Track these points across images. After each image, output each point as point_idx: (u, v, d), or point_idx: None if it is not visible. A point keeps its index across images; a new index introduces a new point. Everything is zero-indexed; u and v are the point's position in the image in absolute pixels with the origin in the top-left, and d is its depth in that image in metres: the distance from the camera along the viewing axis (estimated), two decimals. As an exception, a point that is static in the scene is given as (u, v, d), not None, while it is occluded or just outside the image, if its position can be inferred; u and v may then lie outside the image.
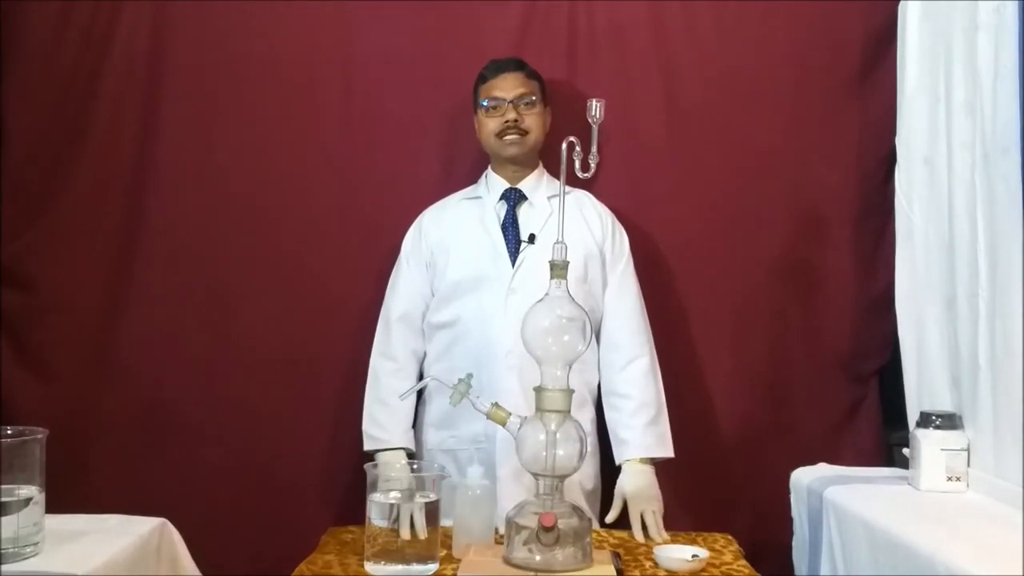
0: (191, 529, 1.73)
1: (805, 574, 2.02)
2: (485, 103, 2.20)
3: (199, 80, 2.39)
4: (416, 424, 2.21)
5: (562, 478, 1.68)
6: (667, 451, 2.11)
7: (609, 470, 2.20)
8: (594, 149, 1.74)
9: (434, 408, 2.18)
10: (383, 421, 2.15)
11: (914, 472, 1.91)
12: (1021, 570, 1.36)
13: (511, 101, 2.18)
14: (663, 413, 2.14)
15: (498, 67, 2.21)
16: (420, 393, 2.21)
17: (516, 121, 2.17)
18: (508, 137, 2.18)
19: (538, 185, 2.25)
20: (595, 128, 1.74)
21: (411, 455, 2.15)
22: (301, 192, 2.41)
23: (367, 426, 2.17)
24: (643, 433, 2.09)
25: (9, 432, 1.42)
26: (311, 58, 2.41)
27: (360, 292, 2.35)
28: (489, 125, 2.20)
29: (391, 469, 1.84)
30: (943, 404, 1.99)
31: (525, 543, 1.63)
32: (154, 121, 2.38)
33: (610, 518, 2.01)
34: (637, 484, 2.03)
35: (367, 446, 2.15)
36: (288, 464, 2.36)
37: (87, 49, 2.35)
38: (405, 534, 1.62)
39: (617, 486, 2.06)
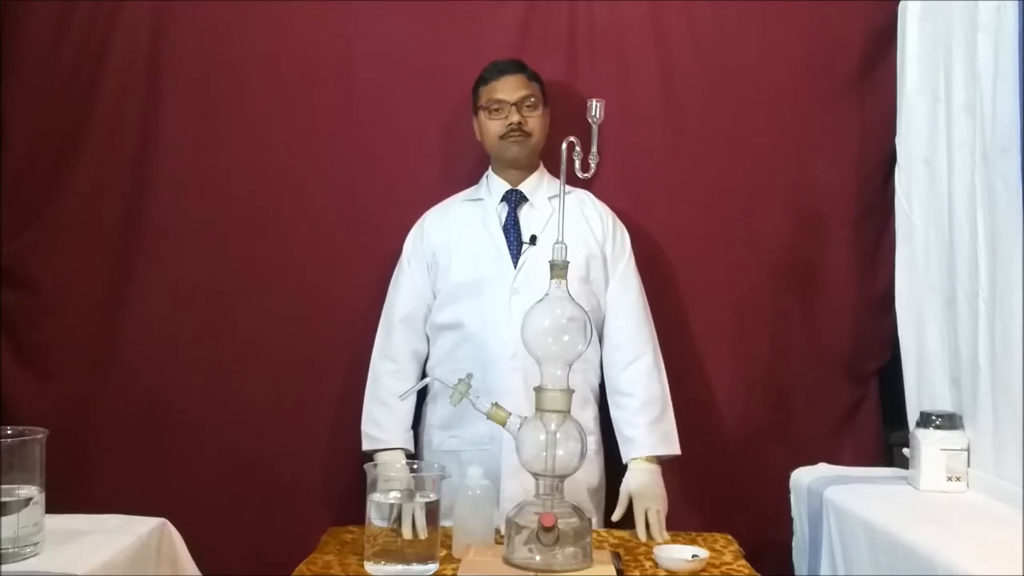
0: (191, 529, 1.73)
1: (805, 574, 2.02)
2: (487, 105, 2.20)
3: (199, 80, 2.39)
4: (420, 425, 2.22)
5: (562, 478, 1.68)
6: (673, 448, 2.11)
7: (613, 468, 2.20)
8: (594, 149, 1.74)
9: (438, 409, 2.18)
10: (382, 421, 2.15)
11: (914, 472, 1.91)
12: (1021, 570, 1.36)
13: (514, 103, 2.18)
14: (668, 411, 2.14)
15: (499, 69, 2.21)
16: (423, 394, 2.21)
17: (520, 124, 2.17)
18: (512, 138, 2.19)
19: (539, 186, 2.25)
20: (595, 128, 1.74)
21: (410, 456, 2.15)
22: (301, 192, 2.41)
23: (366, 426, 2.17)
24: (648, 431, 2.09)
25: (9, 432, 1.42)
26: (311, 58, 2.41)
27: (360, 292, 2.35)
28: (492, 127, 2.20)
29: (390, 469, 1.84)
30: (943, 404, 2.00)
31: (525, 543, 1.63)
32: (154, 121, 2.38)
33: (616, 516, 2.01)
34: (642, 482, 2.03)
35: (366, 446, 2.15)
36: (288, 464, 2.36)
37: (87, 49, 2.35)
38: (407, 534, 1.62)
39: (623, 484, 2.06)
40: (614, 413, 2.16)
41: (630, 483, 2.04)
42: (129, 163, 2.37)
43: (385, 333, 2.22)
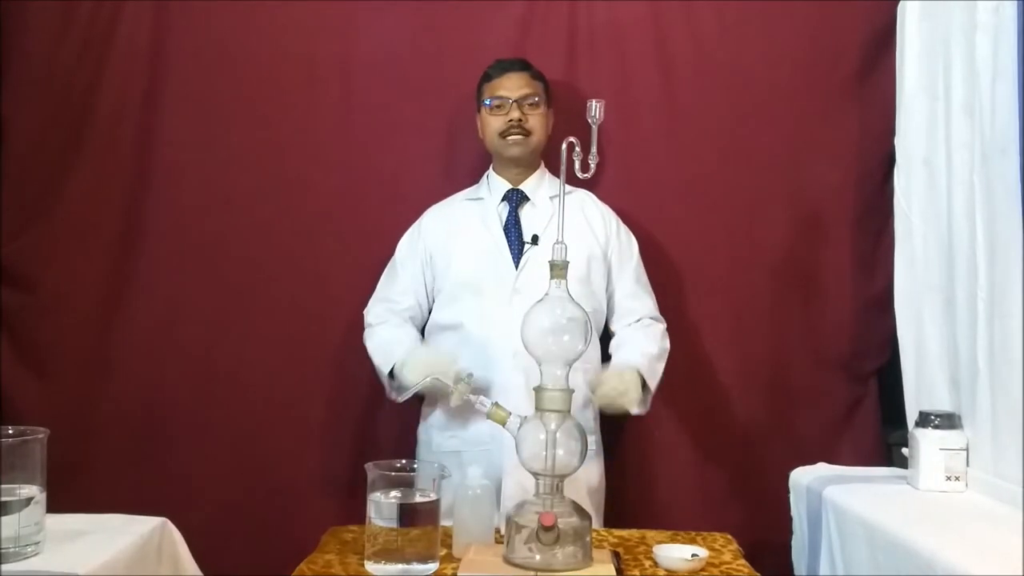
0: (191, 529, 1.73)
1: (804, 574, 2.02)
2: (489, 101, 2.21)
3: (199, 80, 2.39)
4: (420, 425, 2.22)
5: (562, 477, 1.69)
6: (653, 381, 2.10)
7: (613, 469, 2.20)
8: (594, 149, 1.73)
9: (438, 409, 2.18)
10: (391, 348, 2.13)
11: (913, 472, 1.92)
12: (1021, 570, 1.36)
13: (515, 100, 2.18)
14: (660, 366, 2.13)
15: (503, 66, 2.22)
16: (423, 395, 2.21)
17: (520, 121, 2.18)
18: (511, 137, 2.19)
19: (539, 185, 2.25)
20: (595, 128, 1.74)
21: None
22: (301, 192, 2.41)
23: (379, 361, 2.14)
24: (641, 356, 2.09)
25: (10, 432, 1.42)
26: (311, 58, 2.41)
27: (360, 291, 2.34)
28: (493, 124, 2.21)
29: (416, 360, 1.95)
30: (942, 404, 2.00)
31: (525, 542, 1.63)
32: (154, 121, 2.38)
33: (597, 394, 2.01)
34: (622, 366, 2.04)
35: (387, 367, 2.11)
36: (288, 464, 2.36)
37: (87, 49, 2.35)
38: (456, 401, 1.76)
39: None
40: (614, 353, 2.15)
41: (610, 366, 2.04)
42: (129, 163, 2.38)
43: (375, 305, 2.23)
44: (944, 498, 1.84)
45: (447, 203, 2.30)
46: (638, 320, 2.21)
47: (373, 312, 2.25)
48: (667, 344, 2.19)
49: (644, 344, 2.14)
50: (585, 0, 2.42)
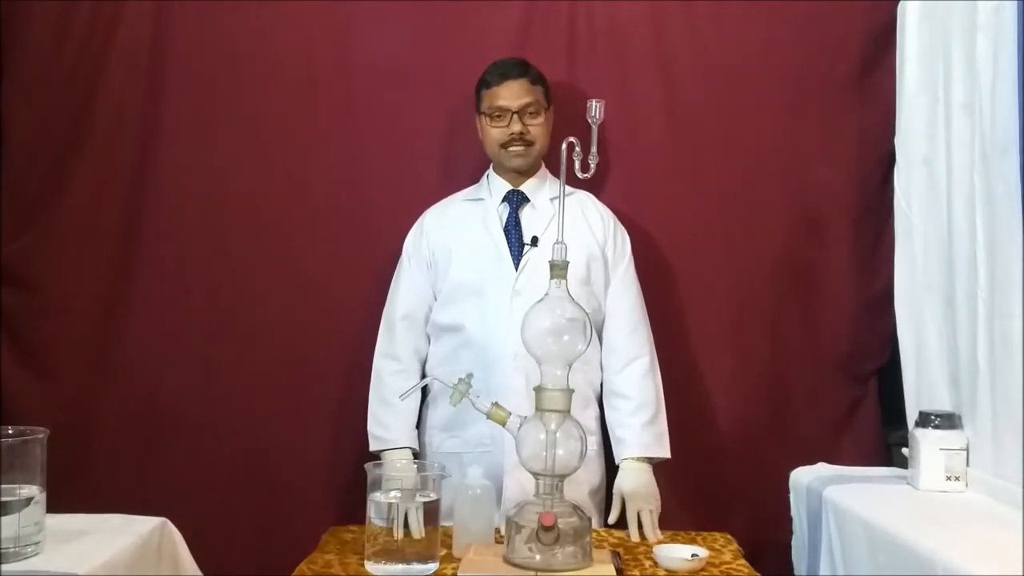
0: (191, 529, 1.73)
1: (804, 574, 2.02)
2: (488, 111, 2.18)
3: (199, 80, 2.39)
4: (420, 427, 2.21)
5: (562, 477, 1.69)
6: (664, 451, 2.12)
7: (614, 469, 2.20)
8: (594, 149, 1.74)
9: (438, 411, 2.18)
10: (387, 421, 2.15)
11: (913, 472, 1.92)
12: (1021, 570, 1.36)
13: (516, 112, 2.16)
14: (661, 414, 2.14)
15: (502, 73, 2.18)
16: (424, 395, 2.21)
17: (522, 134, 2.16)
18: (513, 148, 2.18)
19: (540, 187, 2.24)
20: (595, 128, 1.74)
21: (416, 455, 2.15)
22: (301, 192, 2.41)
23: (372, 427, 2.16)
24: (640, 432, 2.10)
25: (10, 432, 1.42)
26: (311, 58, 2.41)
27: (361, 291, 2.35)
28: (493, 134, 2.19)
29: (395, 469, 1.84)
30: (942, 404, 2.00)
31: (525, 542, 1.63)
32: (154, 121, 2.38)
33: (612, 518, 2.02)
34: (635, 483, 2.03)
35: (373, 447, 2.15)
36: (289, 464, 2.36)
37: (87, 49, 2.35)
38: (398, 533, 1.62)
39: (615, 485, 2.06)
40: (608, 415, 2.16)
41: (623, 484, 2.04)
42: (130, 163, 2.38)
43: (387, 333, 2.22)
44: (944, 498, 1.84)
45: (446, 203, 2.29)
46: (626, 366, 2.15)
47: (380, 348, 2.21)
48: (657, 375, 2.16)
49: (640, 415, 2.11)
50: (585, 0, 2.42)
